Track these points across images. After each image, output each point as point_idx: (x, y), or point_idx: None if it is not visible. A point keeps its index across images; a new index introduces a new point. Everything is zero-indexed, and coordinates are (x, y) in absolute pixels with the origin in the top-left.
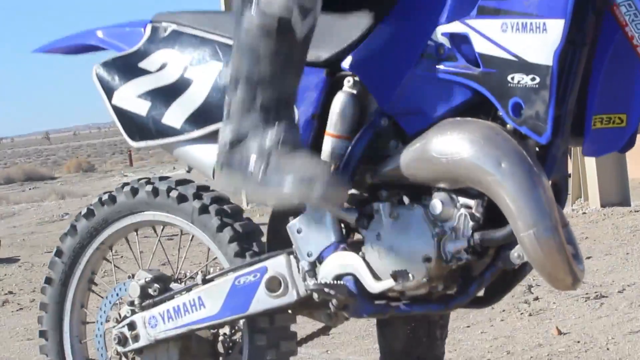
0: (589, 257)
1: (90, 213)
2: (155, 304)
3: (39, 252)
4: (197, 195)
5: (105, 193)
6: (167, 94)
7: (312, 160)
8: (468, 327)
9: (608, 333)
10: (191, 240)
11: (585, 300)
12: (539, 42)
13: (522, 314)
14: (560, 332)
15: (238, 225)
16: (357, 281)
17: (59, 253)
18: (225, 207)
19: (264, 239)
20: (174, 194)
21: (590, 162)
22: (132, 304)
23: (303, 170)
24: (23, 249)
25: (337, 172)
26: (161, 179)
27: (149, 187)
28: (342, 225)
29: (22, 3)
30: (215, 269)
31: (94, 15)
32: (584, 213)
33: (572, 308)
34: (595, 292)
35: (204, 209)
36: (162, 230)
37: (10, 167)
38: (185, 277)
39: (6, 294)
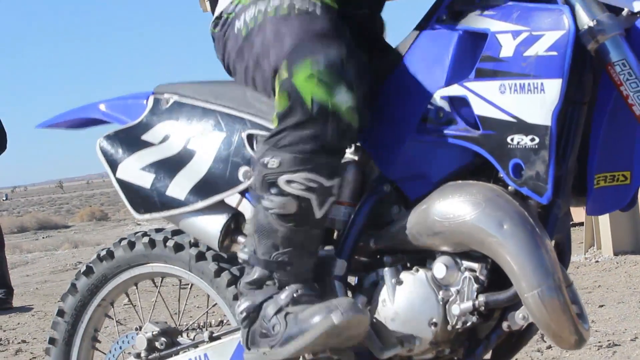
0: (601, 306)
1: (89, 270)
2: (161, 358)
3: (53, 301)
4: (194, 244)
5: (102, 249)
6: (171, 165)
7: (329, 301)
8: None
9: None
10: (190, 288)
11: (598, 349)
12: (537, 102)
13: None
14: None
15: (235, 269)
16: (364, 347)
17: (60, 313)
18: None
19: None
20: (170, 243)
21: None
22: (138, 356)
23: (322, 309)
24: (36, 298)
25: (357, 303)
26: (157, 230)
27: (145, 239)
28: (349, 290)
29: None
30: (217, 319)
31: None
32: (597, 261)
33: (585, 357)
34: (608, 341)
35: (200, 256)
36: (162, 282)
37: (23, 216)
38: (190, 328)
39: (19, 342)
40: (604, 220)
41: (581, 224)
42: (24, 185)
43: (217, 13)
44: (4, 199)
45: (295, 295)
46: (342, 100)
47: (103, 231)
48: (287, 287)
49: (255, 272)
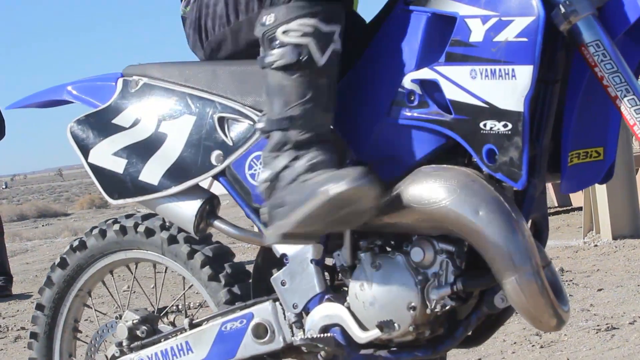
0: (600, 289)
1: (63, 262)
2: (143, 347)
3: None
4: (164, 227)
5: (75, 240)
6: (143, 150)
7: (341, 169)
8: (479, 359)
9: None
10: (165, 272)
11: (597, 332)
12: (508, 88)
13: (533, 346)
14: None
15: (208, 249)
16: (344, 332)
17: (39, 307)
18: None
19: (247, 277)
20: (141, 229)
21: (602, 195)
22: (120, 344)
23: (332, 177)
24: (35, 285)
25: (368, 172)
26: (127, 216)
27: (116, 227)
28: (327, 275)
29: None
30: (194, 303)
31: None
32: (596, 245)
33: (583, 340)
34: (607, 324)
35: (172, 239)
36: (136, 267)
37: (23, 204)
38: (169, 312)
39: (18, 329)
40: (603, 204)
41: (580, 208)
42: (24, 173)
43: None
44: (4, 187)
45: (312, 162)
46: None
47: (103, 218)
48: (305, 154)
49: (273, 137)
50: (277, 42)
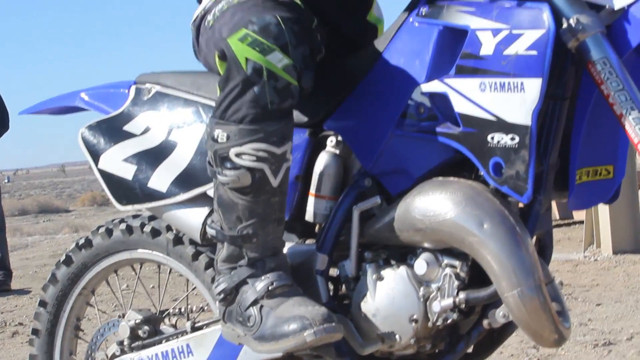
0: (599, 304)
1: (68, 259)
2: (144, 347)
3: None
4: (170, 228)
5: (81, 238)
6: (152, 157)
7: (306, 306)
8: None
9: None
10: (169, 273)
11: (594, 347)
12: (517, 101)
13: (530, 359)
14: None
15: (212, 251)
16: (345, 342)
17: (42, 303)
18: None
19: None
20: (147, 229)
21: (604, 209)
22: (121, 343)
23: (296, 318)
24: (35, 281)
25: (332, 315)
26: (134, 216)
27: (123, 226)
28: (331, 286)
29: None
30: (197, 305)
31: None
32: (596, 260)
33: (581, 354)
34: (604, 339)
35: (177, 240)
36: (141, 268)
37: (25, 199)
38: (172, 314)
39: (16, 325)
40: (604, 218)
41: (581, 222)
42: (26, 168)
43: (197, 11)
44: (6, 181)
45: (270, 288)
46: (276, 59)
47: (104, 216)
48: (261, 274)
49: (227, 248)
50: (230, 163)
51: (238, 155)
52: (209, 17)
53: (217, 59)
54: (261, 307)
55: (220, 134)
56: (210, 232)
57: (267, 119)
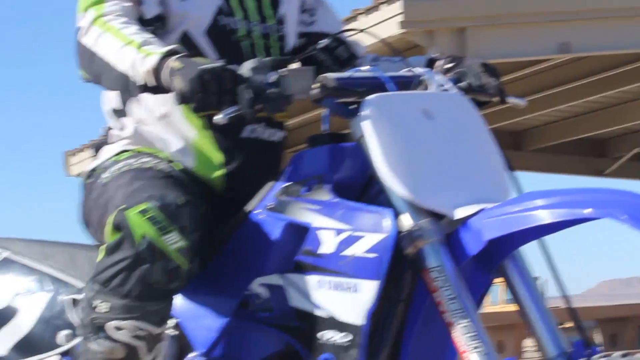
0: None
1: None
2: None
3: None
4: None
5: None
6: None
7: None
8: None
9: None
10: None
11: None
12: (352, 301)
13: None
14: None
15: None
16: None
17: None
18: None
19: None
20: None
21: None
22: None
23: None
24: None
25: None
26: None
27: None
28: None
29: None
30: None
31: None
32: None
33: None
34: None
35: None
36: None
37: None
38: None
39: None
40: None
41: None
42: None
43: (93, 166)
44: None
45: None
46: (171, 240)
47: None
48: None
49: None
50: (106, 335)
51: (117, 328)
52: (104, 175)
53: (109, 226)
54: None
55: (100, 304)
56: None
57: (151, 298)
